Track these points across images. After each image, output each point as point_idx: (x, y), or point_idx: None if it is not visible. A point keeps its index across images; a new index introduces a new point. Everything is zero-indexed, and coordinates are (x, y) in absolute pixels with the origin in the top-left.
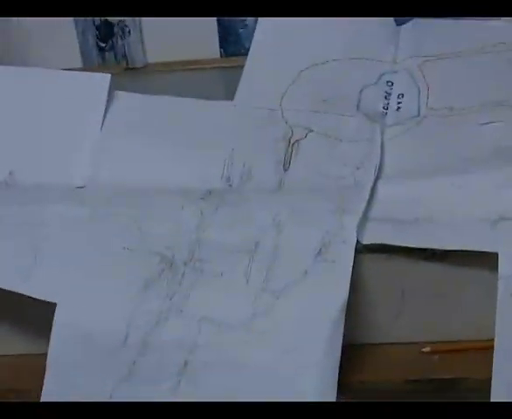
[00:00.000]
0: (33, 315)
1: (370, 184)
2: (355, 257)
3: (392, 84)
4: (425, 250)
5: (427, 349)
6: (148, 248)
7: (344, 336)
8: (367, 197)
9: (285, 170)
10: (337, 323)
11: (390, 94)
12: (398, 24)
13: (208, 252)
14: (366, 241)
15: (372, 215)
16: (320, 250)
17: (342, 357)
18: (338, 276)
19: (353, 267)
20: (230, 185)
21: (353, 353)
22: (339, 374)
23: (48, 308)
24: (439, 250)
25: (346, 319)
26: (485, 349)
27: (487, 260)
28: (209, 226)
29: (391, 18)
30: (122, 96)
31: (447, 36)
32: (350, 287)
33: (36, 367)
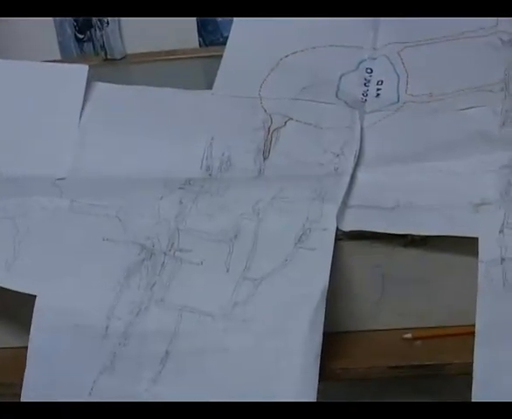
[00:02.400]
0: (15, 308)
1: (350, 171)
2: (335, 244)
3: (372, 71)
4: (405, 236)
5: (409, 335)
6: (128, 238)
7: (325, 323)
8: (347, 184)
9: (264, 158)
10: (318, 310)
11: (369, 81)
12: None
13: (188, 241)
14: (346, 228)
15: (352, 202)
16: (300, 237)
17: (323, 344)
18: (318, 263)
19: (334, 254)
20: (209, 174)
21: (334, 340)
22: (321, 360)
23: (30, 301)
24: (419, 235)
25: (327, 307)
26: (466, 334)
27: (468, 245)
28: (188, 215)
29: None
30: (101, 87)
31: (427, 22)
32: (331, 274)
33: (19, 359)
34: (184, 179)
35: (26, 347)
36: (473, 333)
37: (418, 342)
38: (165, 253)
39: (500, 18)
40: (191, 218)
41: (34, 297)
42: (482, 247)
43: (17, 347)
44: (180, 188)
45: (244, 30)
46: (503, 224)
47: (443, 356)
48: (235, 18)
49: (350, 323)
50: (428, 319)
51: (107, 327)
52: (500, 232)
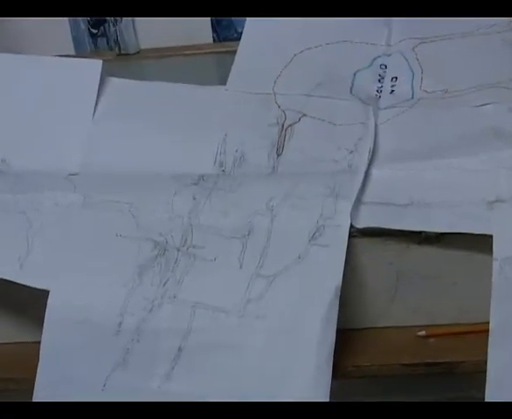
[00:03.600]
0: (28, 303)
1: (364, 168)
2: (349, 241)
3: (386, 67)
4: (419, 233)
5: (423, 333)
6: (141, 234)
7: (339, 320)
8: (361, 181)
9: (278, 155)
10: (332, 307)
11: (383, 77)
12: None
13: (201, 238)
14: (360, 225)
15: (366, 198)
16: (314, 234)
17: (336, 341)
18: (332, 260)
19: (347, 251)
20: (223, 170)
21: (348, 337)
22: (334, 357)
23: (43, 297)
24: (433, 232)
25: (340, 304)
26: (480, 332)
27: (482, 242)
28: (202, 212)
29: None
30: (114, 82)
31: (441, 18)
32: (345, 271)
33: (32, 355)
34: (198, 175)
35: (39, 343)
36: (487, 331)
37: (432, 340)
38: (178, 249)
39: None
40: (205, 214)
41: (47, 292)
42: (497, 244)
43: (31, 342)
44: (193, 184)
45: (257, 26)
46: None
47: (457, 354)
48: None
49: (364, 320)
50: (442, 316)
51: (120, 323)
52: None
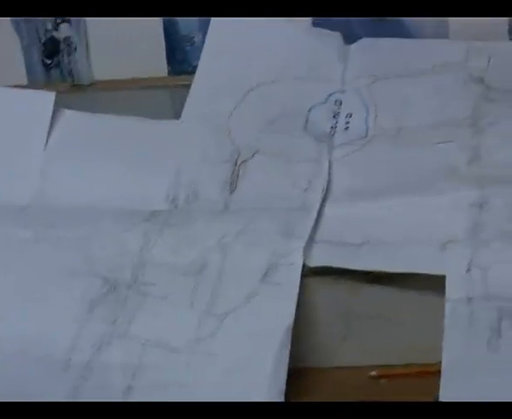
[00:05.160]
0: None
1: (318, 206)
2: (301, 279)
3: (341, 103)
4: (371, 272)
5: (374, 373)
6: (91, 271)
7: (290, 359)
8: (314, 219)
9: (231, 191)
10: (283, 346)
11: (338, 114)
12: (348, 42)
13: (152, 275)
14: (313, 264)
15: (319, 237)
16: (266, 272)
17: (288, 381)
18: (284, 299)
19: (299, 290)
20: (175, 206)
21: (299, 376)
22: (285, 397)
23: None
24: (385, 272)
25: (292, 343)
26: (432, 373)
27: (435, 283)
28: (153, 248)
29: (341, 37)
30: (67, 114)
31: (397, 55)
32: (297, 310)
33: None
34: (150, 211)
35: None
36: (439, 372)
37: (383, 381)
38: (129, 286)
39: (469, 54)
40: (156, 251)
41: None
42: (449, 285)
43: None
44: (145, 220)
45: (213, 60)
46: (470, 263)
47: (408, 395)
48: (204, 47)
49: (315, 359)
50: (394, 357)
51: (69, 360)
52: (467, 271)
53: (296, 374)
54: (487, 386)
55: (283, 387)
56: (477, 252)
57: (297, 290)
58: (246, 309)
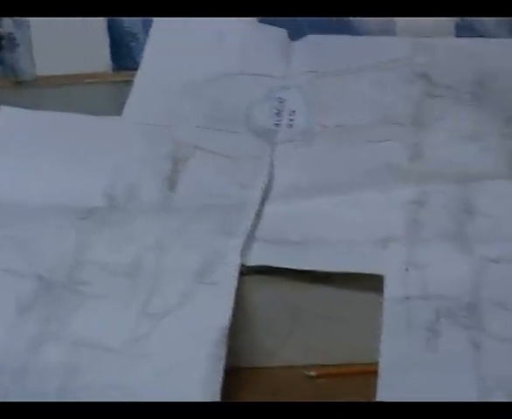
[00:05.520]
0: None
1: (257, 204)
2: (239, 279)
3: (284, 100)
4: (311, 271)
5: (312, 373)
6: (25, 270)
7: (229, 359)
8: (253, 217)
9: (171, 189)
10: (219, 346)
11: (281, 111)
12: (292, 38)
13: (88, 274)
14: (251, 263)
15: (259, 236)
16: (203, 272)
17: (227, 380)
18: (220, 299)
19: (237, 289)
20: (113, 204)
21: (239, 376)
22: (224, 398)
23: None
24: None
25: (231, 343)
26: (371, 373)
27: (373, 281)
28: (89, 247)
29: (285, 32)
30: (8, 111)
31: (341, 52)
32: (235, 310)
33: None
34: (87, 209)
35: None
36: (377, 372)
37: (322, 380)
38: (64, 286)
39: (415, 50)
40: (92, 250)
41: None
42: (387, 285)
43: None
44: (82, 218)
45: (156, 56)
46: (409, 261)
47: (348, 395)
48: (147, 44)
49: (253, 359)
50: (334, 356)
51: (1, 361)
52: (405, 270)
53: (234, 373)
54: (425, 385)
55: (219, 387)
56: (416, 251)
57: (234, 290)
58: (183, 309)
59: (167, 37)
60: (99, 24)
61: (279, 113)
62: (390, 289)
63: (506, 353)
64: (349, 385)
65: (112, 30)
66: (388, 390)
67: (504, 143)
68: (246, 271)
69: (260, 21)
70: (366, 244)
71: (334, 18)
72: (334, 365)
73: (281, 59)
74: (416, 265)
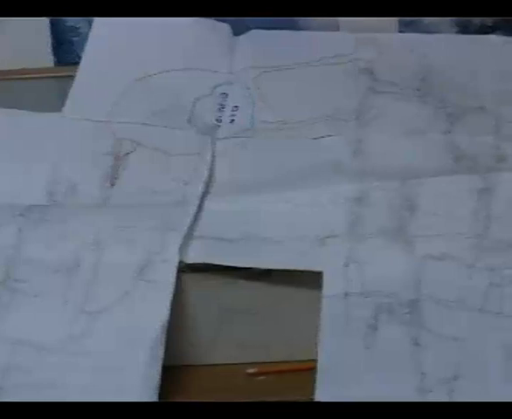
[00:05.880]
0: None
1: (197, 200)
2: (178, 276)
3: (227, 95)
4: (249, 268)
5: (252, 370)
6: None
7: (167, 357)
8: (192, 214)
9: (111, 185)
10: (157, 344)
11: (224, 106)
12: (236, 33)
13: (24, 272)
14: (190, 260)
15: (198, 232)
16: (141, 269)
17: (164, 379)
18: (159, 296)
19: (176, 287)
20: (53, 200)
21: (175, 374)
22: (161, 396)
23: None
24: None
25: (168, 340)
26: (310, 370)
27: (313, 278)
28: (27, 244)
29: (229, 27)
30: None
31: (285, 47)
32: (173, 307)
33: None
34: (26, 205)
35: None
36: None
37: (261, 378)
38: (0, 283)
39: (358, 46)
40: (30, 247)
41: None
42: (326, 282)
43: None
44: (20, 214)
45: (98, 51)
46: (348, 258)
47: (287, 392)
48: (89, 38)
49: (192, 357)
50: (272, 353)
51: None
52: (345, 266)
53: (172, 372)
54: (365, 382)
55: (157, 386)
56: (356, 248)
57: (172, 287)
58: (120, 307)
59: (109, 32)
60: (41, 18)
61: (221, 109)
62: (329, 286)
63: (445, 350)
64: (289, 382)
65: (54, 24)
66: (327, 387)
67: (446, 139)
68: (185, 269)
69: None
70: (305, 241)
71: None
72: (273, 362)
73: (225, 55)
74: (356, 262)
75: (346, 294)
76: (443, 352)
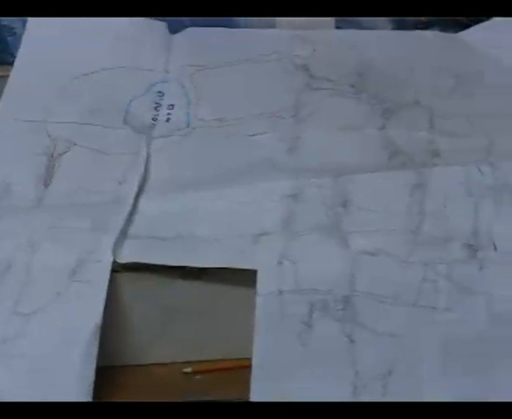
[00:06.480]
0: None
1: (132, 200)
2: (112, 276)
3: (163, 94)
4: (183, 266)
5: (188, 369)
6: None
7: (103, 358)
8: (126, 214)
9: (46, 186)
10: (91, 344)
11: (160, 105)
12: (172, 31)
13: None
14: (124, 260)
15: (132, 232)
16: (74, 270)
17: (98, 379)
18: (92, 297)
19: (110, 287)
20: None
21: (110, 374)
22: (97, 396)
23: None
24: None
25: (105, 340)
26: (246, 367)
27: (248, 276)
28: None
29: (165, 25)
30: None
31: (221, 45)
32: (108, 307)
33: None
34: None
35: None
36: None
37: (198, 376)
38: None
39: (295, 43)
40: None
41: None
42: (260, 280)
43: None
44: None
45: (33, 51)
46: (282, 256)
47: (223, 391)
48: (24, 38)
49: (128, 357)
50: (208, 352)
51: None
52: (278, 264)
53: (109, 372)
54: (300, 379)
55: (91, 386)
56: (290, 245)
57: (105, 287)
58: (55, 308)
59: (44, 32)
60: None
61: (157, 108)
62: (263, 284)
63: (380, 345)
64: (225, 380)
65: None
66: (262, 384)
67: (381, 135)
68: (119, 269)
69: None
70: (239, 239)
71: None
72: (209, 361)
73: (161, 53)
74: (290, 259)
75: (280, 292)
76: (378, 347)
